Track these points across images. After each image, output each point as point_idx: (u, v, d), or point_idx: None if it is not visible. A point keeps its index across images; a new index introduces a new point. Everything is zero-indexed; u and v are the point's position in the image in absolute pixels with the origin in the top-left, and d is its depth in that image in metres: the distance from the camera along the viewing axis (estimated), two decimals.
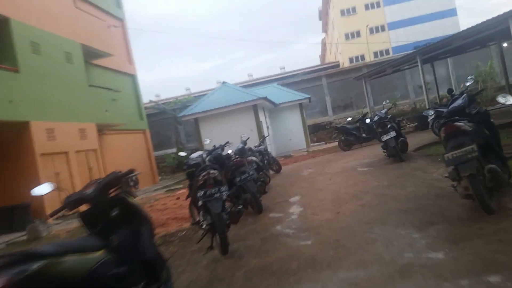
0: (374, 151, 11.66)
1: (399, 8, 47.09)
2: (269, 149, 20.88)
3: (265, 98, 19.13)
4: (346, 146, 14.34)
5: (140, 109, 22.28)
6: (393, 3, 47.55)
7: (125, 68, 21.11)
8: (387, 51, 46.45)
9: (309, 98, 23.64)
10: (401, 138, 8.42)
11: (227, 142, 7.19)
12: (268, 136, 12.69)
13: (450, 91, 13.60)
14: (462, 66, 27.24)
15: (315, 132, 28.07)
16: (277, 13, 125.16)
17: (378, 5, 49.05)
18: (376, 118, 9.27)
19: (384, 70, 17.52)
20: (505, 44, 18.04)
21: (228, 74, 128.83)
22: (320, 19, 66.18)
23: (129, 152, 18.87)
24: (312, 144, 24.11)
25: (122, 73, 20.71)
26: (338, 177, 8.16)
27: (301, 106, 23.43)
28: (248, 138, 9.40)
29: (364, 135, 14.52)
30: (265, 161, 10.44)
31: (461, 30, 14.07)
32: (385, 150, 8.80)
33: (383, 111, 9.37)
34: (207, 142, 8.17)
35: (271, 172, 11.83)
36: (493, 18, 10.51)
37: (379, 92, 27.92)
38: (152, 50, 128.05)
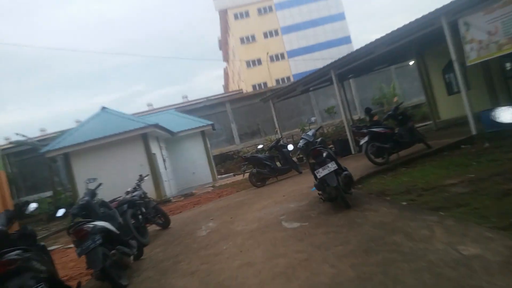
0: (297, 187, 8.78)
1: (296, 36, 47.96)
2: (168, 186, 17.06)
3: (157, 125, 15.47)
4: (259, 181, 11.19)
5: None
6: (291, 32, 48.28)
7: None
8: (288, 79, 46.53)
9: (213, 125, 20.69)
10: (345, 172, 5.51)
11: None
12: (147, 176, 9.01)
13: (368, 110, 11.24)
14: (365, 90, 27.10)
15: (222, 162, 25.10)
16: (179, 45, 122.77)
17: (277, 33, 49.51)
18: (302, 143, 6.33)
19: (294, 89, 15.29)
20: (411, 62, 17.36)
21: (131, 107, 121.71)
22: (220, 48, 65.09)
23: None
24: (219, 176, 20.91)
25: None
26: (255, 248, 4.77)
27: (203, 134, 20.23)
28: (100, 184, 5.58)
29: (279, 165, 11.72)
30: (140, 216, 6.72)
31: None
32: (321, 192, 5.81)
33: (310, 133, 6.49)
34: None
35: (157, 227, 8.15)
36: (422, 17, 8.65)
37: (286, 117, 26.44)
38: (48, 85, 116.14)
